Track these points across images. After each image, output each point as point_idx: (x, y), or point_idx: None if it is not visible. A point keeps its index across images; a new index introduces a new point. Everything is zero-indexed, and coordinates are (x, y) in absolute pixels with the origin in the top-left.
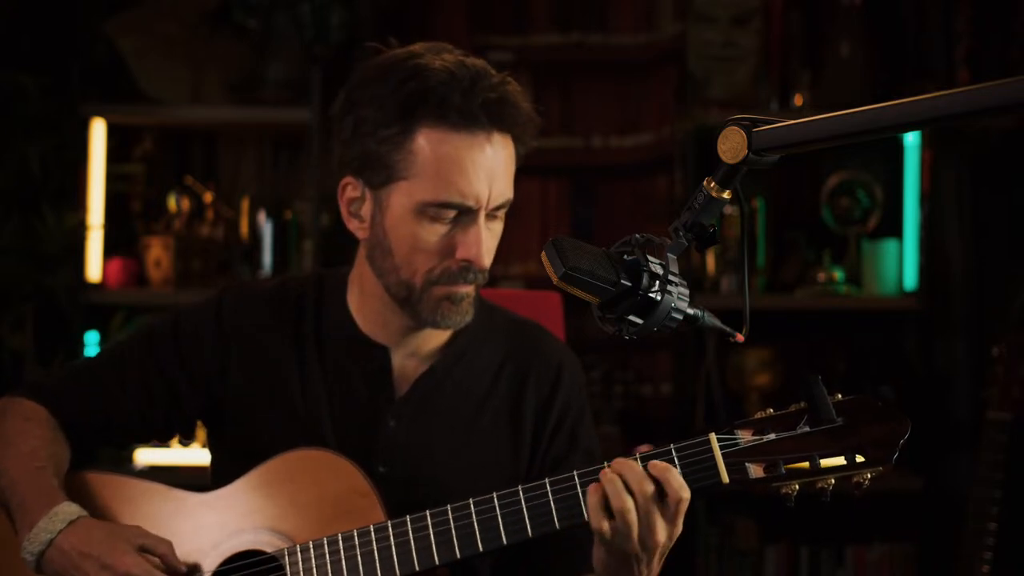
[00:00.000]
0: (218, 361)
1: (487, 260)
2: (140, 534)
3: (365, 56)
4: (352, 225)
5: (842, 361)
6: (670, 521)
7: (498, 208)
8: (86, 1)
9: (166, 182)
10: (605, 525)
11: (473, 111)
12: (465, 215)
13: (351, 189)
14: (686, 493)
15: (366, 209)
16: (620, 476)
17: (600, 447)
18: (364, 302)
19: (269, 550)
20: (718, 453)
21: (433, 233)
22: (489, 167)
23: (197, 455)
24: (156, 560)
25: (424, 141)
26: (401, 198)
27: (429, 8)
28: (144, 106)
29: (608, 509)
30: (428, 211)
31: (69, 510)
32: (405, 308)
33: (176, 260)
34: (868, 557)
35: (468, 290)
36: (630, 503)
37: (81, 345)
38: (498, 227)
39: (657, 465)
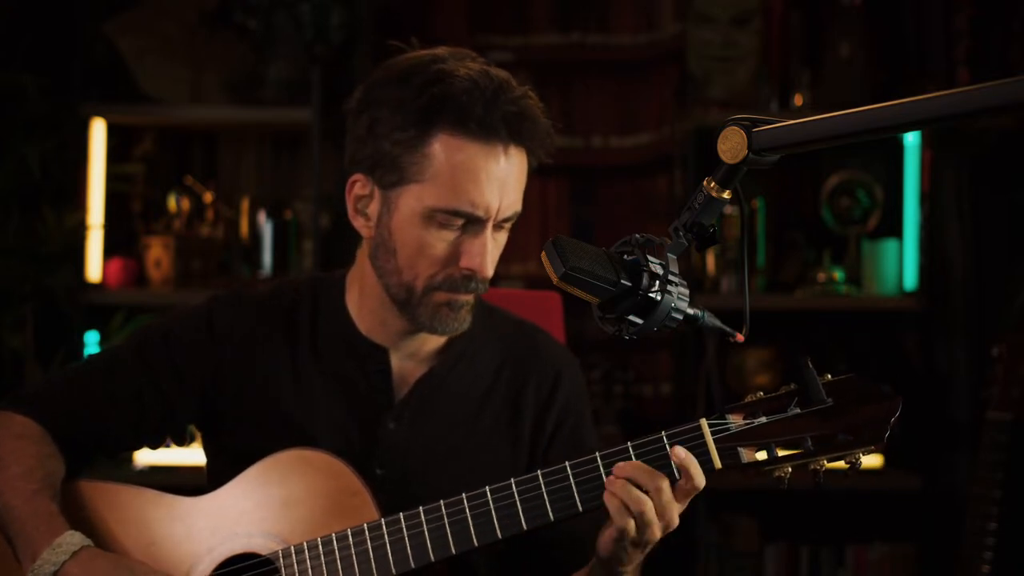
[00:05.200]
0: (211, 369)
1: (490, 271)
2: (146, 570)
3: (387, 54)
4: (358, 223)
5: (842, 361)
6: (682, 503)
7: (506, 220)
8: (86, 1)
9: (166, 182)
10: (631, 524)
11: (493, 122)
12: (473, 224)
13: (360, 186)
14: (702, 482)
15: (373, 208)
16: (631, 480)
17: (601, 447)
18: (363, 302)
19: (264, 552)
20: (709, 439)
21: (439, 239)
22: (502, 179)
23: (197, 455)
24: None
25: (440, 147)
26: (411, 201)
27: (429, 8)
28: (144, 106)
29: (628, 509)
30: (437, 217)
31: (72, 540)
32: (403, 311)
33: (176, 260)
34: (868, 557)
35: (468, 298)
36: (649, 504)
37: (81, 345)
38: (503, 238)
39: (679, 453)
